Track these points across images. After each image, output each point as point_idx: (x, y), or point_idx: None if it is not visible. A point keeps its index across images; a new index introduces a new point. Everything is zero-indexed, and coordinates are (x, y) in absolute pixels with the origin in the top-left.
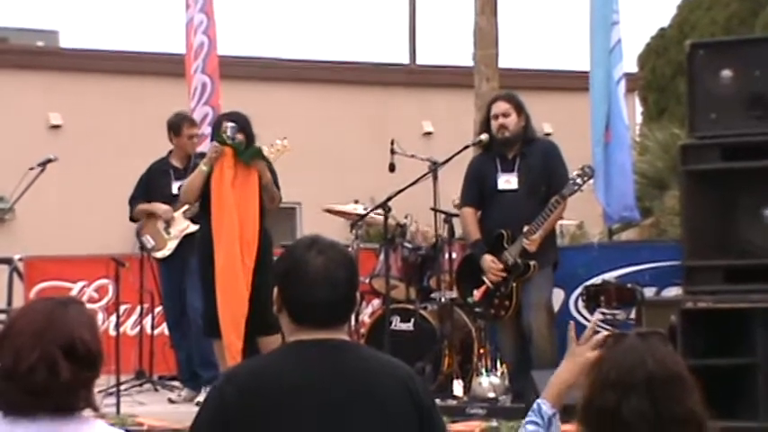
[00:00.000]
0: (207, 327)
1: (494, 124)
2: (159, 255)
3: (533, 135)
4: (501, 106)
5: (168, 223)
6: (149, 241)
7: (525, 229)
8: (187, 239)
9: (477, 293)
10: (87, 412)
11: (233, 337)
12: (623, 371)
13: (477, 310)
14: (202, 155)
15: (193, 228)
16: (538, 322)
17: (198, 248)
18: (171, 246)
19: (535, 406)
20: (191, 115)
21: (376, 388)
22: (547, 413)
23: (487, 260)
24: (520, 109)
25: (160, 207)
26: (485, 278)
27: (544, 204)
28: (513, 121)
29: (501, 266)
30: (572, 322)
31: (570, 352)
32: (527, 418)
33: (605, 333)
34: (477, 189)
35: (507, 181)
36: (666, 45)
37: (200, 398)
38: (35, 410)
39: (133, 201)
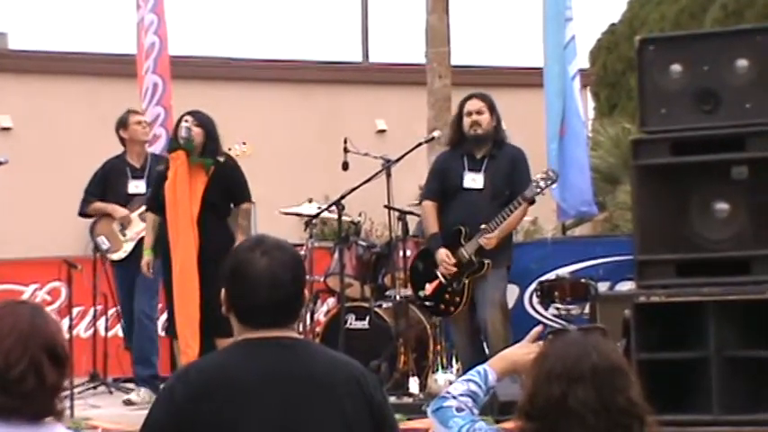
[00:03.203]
0: (169, 327)
1: (466, 121)
2: (115, 257)
3: (503, 138)
4: (475, 104)
5: (124, 225)
6: (104, 242)
7: (483, 227)
8: (143, 242)
9: (428, 287)
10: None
11: (189, 340)
12: (568, 363)
13: (427, 303)
14: (158, 157)
15: None
16: (493, 319)
17: (161, 252)
18: (127, 248)
19: (482, 370)
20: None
21: (327, 384)
22: (491, 383)
23: (441, 254)
24: (492, 109)
25: (118, 211)
26: (438, 272)
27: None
28: (486, 119)
29: (454, 261)
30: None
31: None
32: (468, 377)
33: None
34: (440, 184)
35: (473, 180)
36: (617, 41)
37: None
38: (14, 414)
39: (88, 196)
